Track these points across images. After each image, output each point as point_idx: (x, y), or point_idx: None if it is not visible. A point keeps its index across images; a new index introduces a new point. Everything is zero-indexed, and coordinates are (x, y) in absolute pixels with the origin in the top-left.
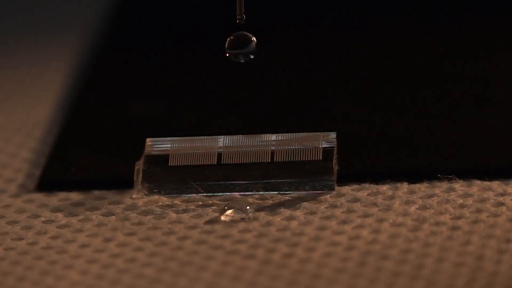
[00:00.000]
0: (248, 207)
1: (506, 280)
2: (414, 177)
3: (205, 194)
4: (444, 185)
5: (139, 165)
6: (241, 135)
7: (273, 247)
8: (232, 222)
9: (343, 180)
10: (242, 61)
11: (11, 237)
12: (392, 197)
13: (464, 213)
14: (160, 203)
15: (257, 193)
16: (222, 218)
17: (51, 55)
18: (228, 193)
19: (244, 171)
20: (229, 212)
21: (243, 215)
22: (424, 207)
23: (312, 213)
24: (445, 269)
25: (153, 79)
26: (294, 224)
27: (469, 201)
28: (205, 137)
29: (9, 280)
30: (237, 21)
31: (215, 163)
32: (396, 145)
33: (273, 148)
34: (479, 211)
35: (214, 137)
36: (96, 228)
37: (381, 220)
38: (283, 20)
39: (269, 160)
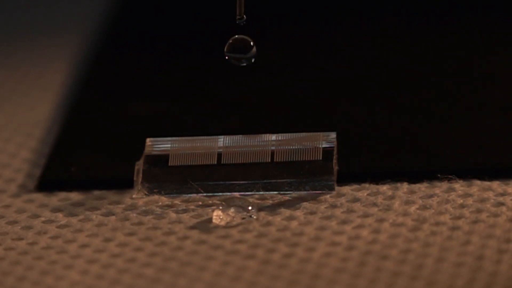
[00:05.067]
0: (250, 207)
1: (506, 280)
2: (414, 177)
3: (205, 194)
4: (444, 185)
5: (139, 165)
6: (241, 135)
7: (273, 247)
8: (226, 223)
9: (343, 180)
10: (244, 64)
11: (11, 237)
12: (392, 197)
13: (464, 213)
14: (160, 203)
15: (257, 193)
16: (214, 217)
17: (51, 55)
18: (228, 193)
19: (244, 171)
20: (218, 212)
21: (245, 215)
22: (424, 207)
23: (312, 213)
24: (445, 269)
25: (153, 79)
26: (294, 224)
27: (469, 201)
28: (205, 137)
29: (9, 280)
30: (237, 22)
31: (215, 163)
32: (396, 145)
33: (273, 148)
34: (479, 211)
35: (214, 137)
36: (96, 228)
37: (381, 220)
38: (283, 20)
39: (269, 160)
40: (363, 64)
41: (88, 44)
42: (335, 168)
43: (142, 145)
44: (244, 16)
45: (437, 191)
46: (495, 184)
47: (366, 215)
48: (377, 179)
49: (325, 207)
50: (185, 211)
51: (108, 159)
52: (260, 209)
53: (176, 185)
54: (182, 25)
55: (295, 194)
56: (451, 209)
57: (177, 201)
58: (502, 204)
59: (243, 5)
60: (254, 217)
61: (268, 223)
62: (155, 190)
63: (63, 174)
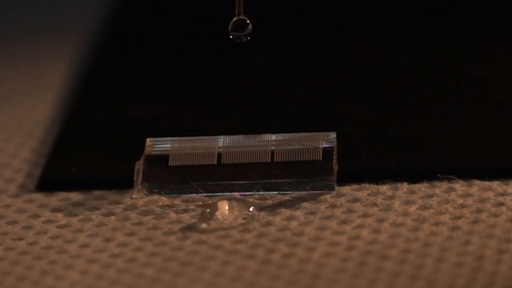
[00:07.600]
0: (250, 208)
1: (506, 280)
2: (414, 177)
3: (205, 194)
4: (444, 185)
5: (139, 165)
6: (241, 135)
7: (273, 247)
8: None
9: (343, 180)
10: (244, 40)
11: (11, 237)
12: (392, 197)
13: (464, 213)
14: (160, 203)
15: (257, 193)
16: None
17: (51, 55)
18: (228, 193)
19: (244, 171)
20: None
21: (245, 215)
22: (424, 207)
23: (312, 213)
24: (445, 269)
25: (153, 79)
26: (294, 224)
27: (469, 201)
28: (205, 137)
29: (9, 280)
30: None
31: (215, 163)
32: (396, 145)
33: (273, 148)
34: (479, 211)
35: (214, 137)
36: (96, 228)
37: (381, 220)
38: (283, 20)
39: (269, 160)
40: (363, 64)
41: (88, 44)
42: (335, 168)
43: (142, 145)
44: (249, 21)
45: (437, 191)
46: (495, 184)
47: (366, 215)
48: (377, 179)
49: (325, 207)
50: (185, 211)
51: (108, 159)
52: (260, 209)
53: (176, 185)
54: (182, 25)
55: (295, 194)
56: (451, 209)
57: (177, 201)
58: (502, 204)
59: (242, 4)
60: (254, 217)
61: (268, 223)
62: (155, 190)
63: (63, 174)
